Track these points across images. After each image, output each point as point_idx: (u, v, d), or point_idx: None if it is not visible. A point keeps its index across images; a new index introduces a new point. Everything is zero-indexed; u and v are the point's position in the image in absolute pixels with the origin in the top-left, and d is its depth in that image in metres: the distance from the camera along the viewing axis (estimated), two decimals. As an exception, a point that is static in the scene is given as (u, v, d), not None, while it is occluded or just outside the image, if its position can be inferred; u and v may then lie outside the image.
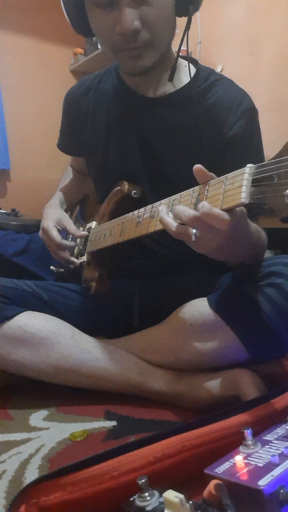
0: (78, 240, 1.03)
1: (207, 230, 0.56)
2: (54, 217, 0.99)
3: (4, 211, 2.03)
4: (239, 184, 0.51)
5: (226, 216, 0.53)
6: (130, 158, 0.90)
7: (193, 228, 0.57)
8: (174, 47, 0.87)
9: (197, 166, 0.58)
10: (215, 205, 0.55)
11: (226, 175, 0.55)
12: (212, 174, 0.59)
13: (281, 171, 0.46)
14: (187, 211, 0.57)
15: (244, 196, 0.50)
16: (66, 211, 1.09)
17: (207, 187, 0.58)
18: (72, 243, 0.97)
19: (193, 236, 0.57)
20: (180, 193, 0.65)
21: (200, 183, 0.60)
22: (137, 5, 0.72)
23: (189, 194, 0.62)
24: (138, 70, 0.80)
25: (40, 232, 1.00)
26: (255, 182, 0.50)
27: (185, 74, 0.87)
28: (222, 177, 0.56)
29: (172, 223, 0.59)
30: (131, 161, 0.90)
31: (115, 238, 0.82)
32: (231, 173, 0.54)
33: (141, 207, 0.76)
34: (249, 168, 0.51)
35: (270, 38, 1.95)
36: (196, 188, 0.61)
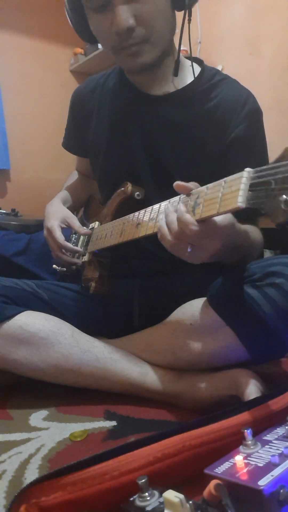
0: (80, 241, 1.03)
1: (199, 241, 0.60)
2: (58, 216, 0.99)
3: (4, 211, 2.03)
4: (236, 188, 0.52)
5: (194, 226, 0.58)
6: (133, 156, 0.90)
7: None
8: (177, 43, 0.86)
9: (176, 184, 0.63)
10: (212, 208, 0.55)
11: (225, 178, 0.55)
12: (193, 182, 0.63)
13: (278, 177, 0.46)
14: (174, 224, 0.61)
15: (240, 200, 0.50)
16: (71, 210, 1.08)
17: (206, 190, 0.58)
18: (75, 248, 0.96)
19: (189, 247, 0.61)
20: (179, 195, 0.65)
21: (185, 194, 0.64)
22: (130, 2, 0.73)
23: (189, 196, 0.62)
24: (139, 67, 0.81)
25: (44, 232, 0.99)
26: (253, 186, 0.50)
27: (189, 73, 0.87)
28: (220, 180, 0.56)
29: (168, 235, 0.63)
30: (134, 159, 0.90)
31: (115, 239, 0.82)
32: (230, 176, 0.54)
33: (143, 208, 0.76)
34: (247, 173, 0.51)
35: (270, 38, 1.95)
36: (196, 190, 0.61)
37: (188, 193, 0.62)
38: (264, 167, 0.49)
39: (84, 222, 1.11)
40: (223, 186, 0.55)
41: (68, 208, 1.06)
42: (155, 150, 0.89)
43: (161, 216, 0.65)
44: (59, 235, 0.95)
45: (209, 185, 0.58)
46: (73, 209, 1.10)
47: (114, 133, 0.93)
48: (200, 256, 0.63)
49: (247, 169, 0.51)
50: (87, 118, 0.98)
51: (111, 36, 0.77)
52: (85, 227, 1.04)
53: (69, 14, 0.82)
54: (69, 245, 0.95)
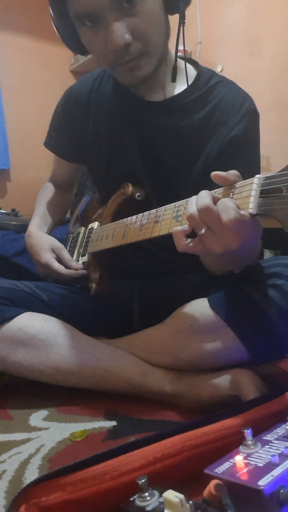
0: (79, 241, 1.02)
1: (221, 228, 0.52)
2: (45, 247, 0.94)
3: (4, 211, 2.03)
4: (247, 194, 0.51)
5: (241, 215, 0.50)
6: (131, 162, 0.90)
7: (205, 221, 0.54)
8: (173, 46, 0.86)
9: (214, 174, 0.55)
10: None
11: (235, 184, 0.55)
12: (233, 173, 0.55)
13: None
14: (205, 199, 0.53)
15: (252, 206, 0.50)
16: (48, 233, 1.03)
17: (214, 195, 0.58)
18: (80, 265, 0.93)
19: (204, 229, 0.54)
20: (186, 199, 0.64)
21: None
22: (124, 17, 0.70)
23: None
24: (137, 81, 0.79)
25: (40, 270, 0.96)
26: (263, 193, 0.50)
27: (185, 77, 0.86)
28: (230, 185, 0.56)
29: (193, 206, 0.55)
30: (133, 164, 0.90)
31: (118, 241, 0.82)
32: (239, 182, 0.54)
33: (144, 210, 0.76)
34: (257, 179, 0.51)
35: (270, 38, 1.95)
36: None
37: (231, 184, 0.55)
38: (275, 173, 0.48)
39: (80, 222, 1.10)
40: (233, 191, 0.54)
41: (47, 231, 1.02)
42: (154, 156, 0.88)
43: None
44: (58, 267, 0.91)
45: (217, 190, 0.58)
46: (50, 231, 1.05)
47: (112, 138, 0.92)
48: (208, 245, 0.55)
49: (258, 175, 0.51)
50: (83, 121, 0.96)
51: (106, 53, 0.74)
52: (81, 230, 1.03)
53: (55, 25, 0.78)
54: (73, 272, 0.91)
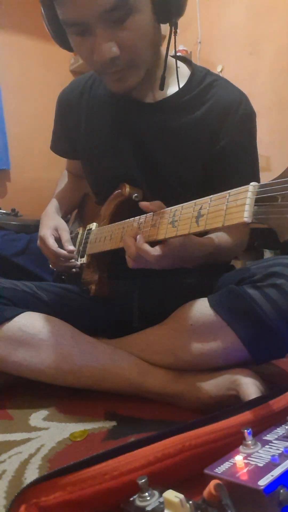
0: (77, 242, 1.03)
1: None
2: (50, 225, 0.98)
3: (4, 211, 2.04)
4: (242, 202, 0.51)
5: (153, 252, 0.66)
6: (126, 164, 0.89)
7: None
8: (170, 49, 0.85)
9: (141, 205, 0.70)
10: (218, 220, 0.55)
11: (229, 191, 0.55)
12: (157, 203, 0.70)
13: (286, 192, 0.46)
14: (131, 248, 0.69)
15: (246, 215, 0.50)
16: (64, 216, 1.07)
17: (209, 201, 0.58)
18: (70, 254, 0.95)
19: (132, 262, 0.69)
20: (182, 204, 0.64)
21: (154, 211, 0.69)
22: (112, 30, 0.69)
23: (191, 206, 0.62)
24: (124, 91, 0.79)
25: (38, 241, 0.98)
26: (258, 201, 0.50)
27: (180, 76, 0.86)
28: (225, 192, 0.56)
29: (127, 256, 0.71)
30: (127, 166, 0.89)
31: (115, 243, 0.82)
32: (234, 189, 0.54)
33: (142, 210, 0.76)
34: (252, 187, 0.50)
35: (270, 38, 1.95)
36: (199, 201, 0.61)
37: (158, 210, 0.69)
38: (270, 181, 0.48)
39: (79, 222, 1.10)
40: (228, 199, 0.54)
41: (62, 215, 1.05)
42: (149, 157, 0.88)
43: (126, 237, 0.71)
44: (52, 243, 0.93)
45: (212, 197, 0.58)
46: (66, 215, 1.09)
47: (105, 139, 0.91)
48: (153, 267, 0.71)
49: (253, 183, 0.51)
50: (76, 123, 0.96)
51: (93, 61, 0.74)
52: (81, 229, 1.03)
53: (47, 26, 0.78)
54: (63, 252, 0.93)
